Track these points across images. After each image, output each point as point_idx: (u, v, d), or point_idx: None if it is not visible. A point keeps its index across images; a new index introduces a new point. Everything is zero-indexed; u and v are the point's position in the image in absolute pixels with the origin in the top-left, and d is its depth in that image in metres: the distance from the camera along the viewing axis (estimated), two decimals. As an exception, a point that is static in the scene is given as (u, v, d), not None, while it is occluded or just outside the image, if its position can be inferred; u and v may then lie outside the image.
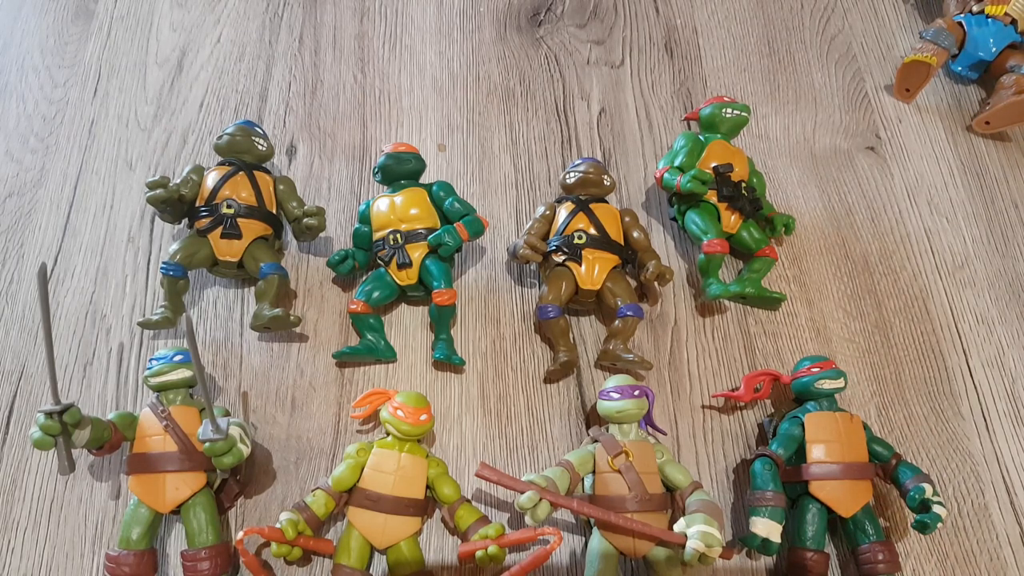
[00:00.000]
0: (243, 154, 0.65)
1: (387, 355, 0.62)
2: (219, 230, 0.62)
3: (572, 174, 0.67)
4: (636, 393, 0.55)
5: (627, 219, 0.66)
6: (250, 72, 0.80)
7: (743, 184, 0.67)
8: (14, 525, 0.56)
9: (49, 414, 0.48)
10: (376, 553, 0.54)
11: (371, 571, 0.54)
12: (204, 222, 0.62)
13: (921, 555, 0.57)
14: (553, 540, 0.48)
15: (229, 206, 0.62)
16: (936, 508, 0.52)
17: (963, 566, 0.57)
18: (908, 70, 0.79)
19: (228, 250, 0.62)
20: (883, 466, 0.56)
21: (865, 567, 0.53)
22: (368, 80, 0.80)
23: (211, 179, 0.64)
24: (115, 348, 0.64)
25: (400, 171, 0.65)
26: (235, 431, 0.51)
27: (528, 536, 0.51)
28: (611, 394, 0.56)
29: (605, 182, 0.66)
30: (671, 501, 0.54)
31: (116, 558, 0.51)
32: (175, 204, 0.63)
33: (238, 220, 0.62)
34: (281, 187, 0.66)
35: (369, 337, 0.62)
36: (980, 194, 0.76)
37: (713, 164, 0.67)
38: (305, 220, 0.63)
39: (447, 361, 0.61)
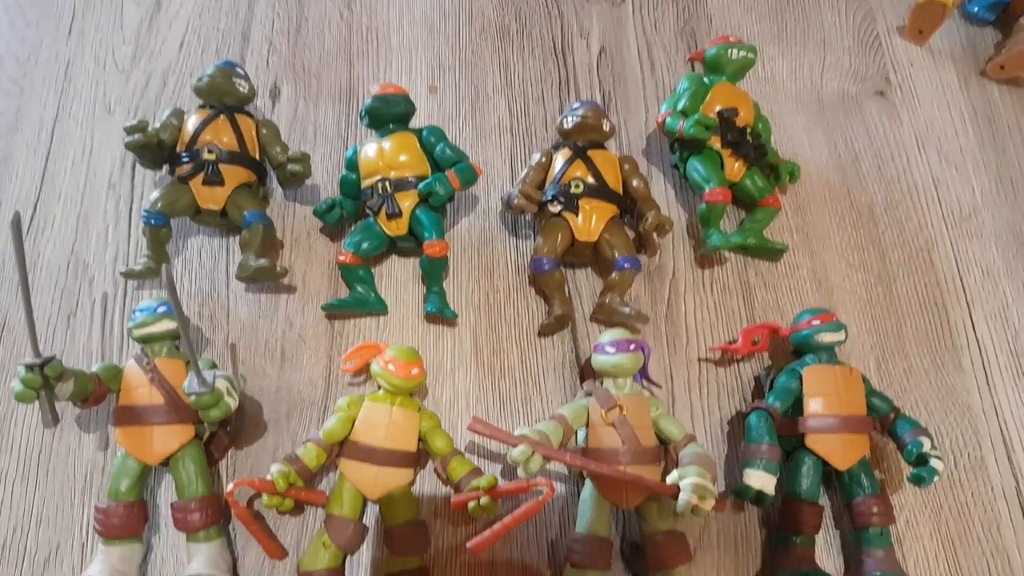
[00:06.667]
0: (224, 96, 0.62)
1: (378, 308, 0.61)
2: (200, 177, 0.59)
3: (570, 118, 0.64)
4: (632, 348, 0.54)
5: (626, 166, 0.64)
6: (231, 10, 0.76)
7: (748, 130, 0.65)
8: (2, 476, 0.56)
9: (30, 367, 0.47)
10: (369, 503, 0.54)
11: (364, 521, 0.53)
12: (185, 168, 0.60)
13: (916, 508, 0.57)
14: (545, 492, 0.48)
15: (210, 151, 0.60)
16: (934, 462, 0.52)
17: (957, 519, 0.57)
18: (922, 10, 0.75)
19: (210, 198, 0.60)
20: (881, 420, 0.56)
21: (859, 519, 0.53)
22: (355, 17, 0.76)
23: (191, 123, 0.61)
24: (99, 299, 0.62)
25: (389, 114, 0.62)
26: (222, 384, 0.50)
27: (520, 488, 0.50)
28: (606, 348, 0.54)
29: (604, 127, 0.64)
30: (664, 454, 0.54)
31: (105, 509, 0.51)
32: (154, 150, 0.60)
33: (220, 166, 0.60)
34: (264, 131, 0.63)
35: (359, 289, 0.60)
36: (991, 142, 0.73)
37: (718, 108, 0.64)
38: (289, 166, 0.61)
39: (439, 314, 0.60)
